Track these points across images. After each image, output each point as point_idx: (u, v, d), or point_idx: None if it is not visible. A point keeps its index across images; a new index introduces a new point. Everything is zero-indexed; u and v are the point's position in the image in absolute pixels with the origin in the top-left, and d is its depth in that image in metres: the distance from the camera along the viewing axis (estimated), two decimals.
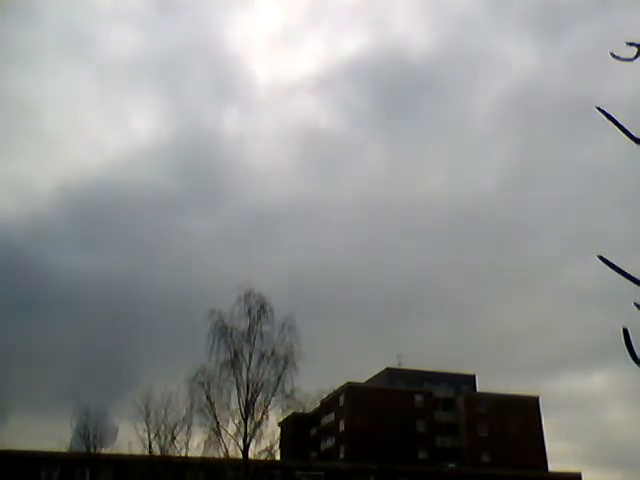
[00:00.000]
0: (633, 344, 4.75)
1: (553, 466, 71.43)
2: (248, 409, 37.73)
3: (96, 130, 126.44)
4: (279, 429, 44.85)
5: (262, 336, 39.11)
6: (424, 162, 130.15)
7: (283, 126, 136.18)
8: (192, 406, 39.97)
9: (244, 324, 39.20)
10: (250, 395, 37.95)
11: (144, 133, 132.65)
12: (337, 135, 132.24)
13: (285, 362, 38.53)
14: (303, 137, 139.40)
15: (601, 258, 5.08)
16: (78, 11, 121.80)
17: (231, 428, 37.99)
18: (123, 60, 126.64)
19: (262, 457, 39.62)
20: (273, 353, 38.81)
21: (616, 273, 5.00)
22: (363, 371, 77.75)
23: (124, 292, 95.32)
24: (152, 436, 47.67)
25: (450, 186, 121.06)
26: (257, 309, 39.38)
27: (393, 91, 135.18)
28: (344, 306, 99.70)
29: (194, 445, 43.74)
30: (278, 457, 51.85)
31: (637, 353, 4.74)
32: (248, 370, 38.34)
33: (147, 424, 47.86)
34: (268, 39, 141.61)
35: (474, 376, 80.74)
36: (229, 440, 37.79)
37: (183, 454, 46.18)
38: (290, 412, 41.08)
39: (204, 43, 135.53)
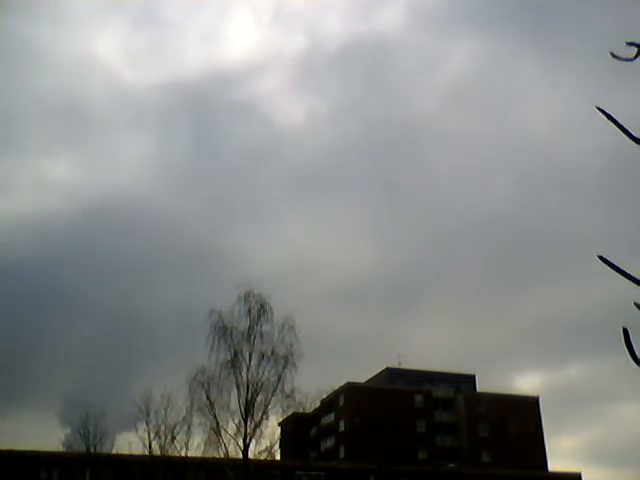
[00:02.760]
0: (633, 344, 4.75)
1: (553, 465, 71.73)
2: (248, 409, 37.63)
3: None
4: (279, 429, 44.75)
5: (262, 336, 39.01)
6: None
7: None
8: (192, 406, 39.93)
9: (244, 324, 39.12)
10: (250, 395, 37.85)
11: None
12: None
13: (285, 362, 38.44)
14: None
15: (601, 258, 5.06)
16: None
17: (231, 428, 37.90)
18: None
19: (262, 457, 39.49)
20: (273, 353, 38.69)
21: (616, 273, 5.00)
22: (363, 371, 77.82)
23: (124, 292, 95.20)
24: (152, 436, 47.80)
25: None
26: (257, 309, 39.29)
27: None
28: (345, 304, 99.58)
29: (194, 445, 43.87)
30: (278, 457, 51.88)
31: (637, 353, 4.74)
32: (248, 370, 38.23)
33: (147, 424, 47.97)
34: None
35: (474, 376, 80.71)
36: (229, 440, 37.72)
37: (183, 454, 46.25)
38: (290, 412, 40.94)
39: None
